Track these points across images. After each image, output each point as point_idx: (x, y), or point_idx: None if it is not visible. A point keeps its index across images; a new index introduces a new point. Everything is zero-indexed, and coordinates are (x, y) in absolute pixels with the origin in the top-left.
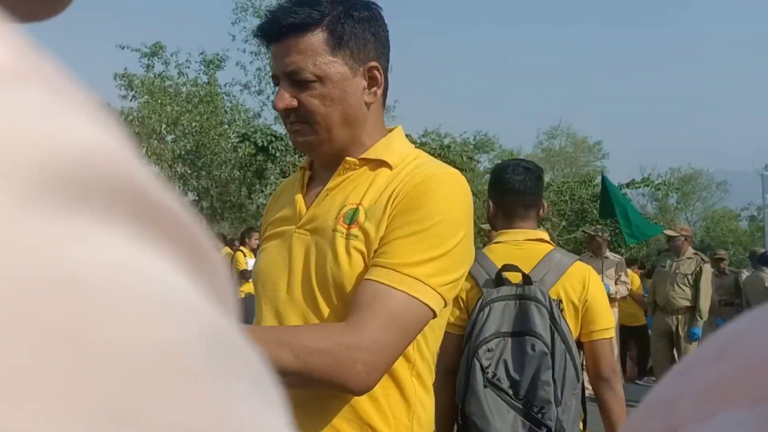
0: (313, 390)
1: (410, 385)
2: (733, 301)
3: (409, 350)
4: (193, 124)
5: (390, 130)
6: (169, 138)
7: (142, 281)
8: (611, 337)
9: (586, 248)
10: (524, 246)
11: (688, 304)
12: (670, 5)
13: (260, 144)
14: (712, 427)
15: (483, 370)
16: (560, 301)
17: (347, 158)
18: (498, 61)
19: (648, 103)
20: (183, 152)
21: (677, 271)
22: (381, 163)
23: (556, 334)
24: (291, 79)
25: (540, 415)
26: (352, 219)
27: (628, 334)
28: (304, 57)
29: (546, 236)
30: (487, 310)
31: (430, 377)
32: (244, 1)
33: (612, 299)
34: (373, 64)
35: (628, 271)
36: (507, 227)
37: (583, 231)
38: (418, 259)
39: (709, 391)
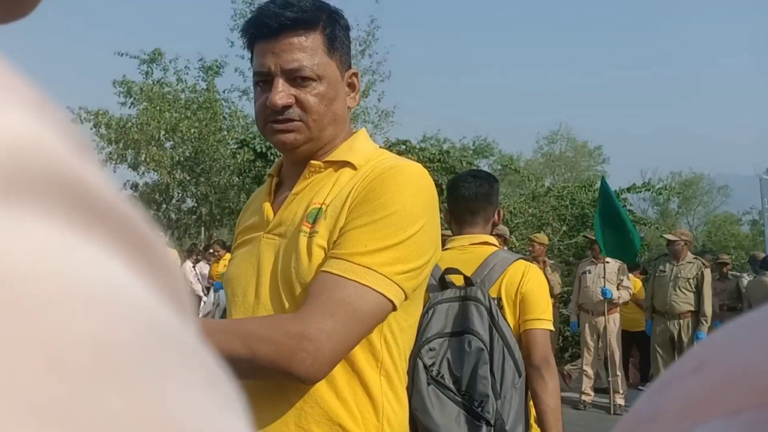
0: (282, 393)
1: (377, 385)
2: (735, 306)
3: (377, 348)
4: (192, 130)
5: (353, 134)
6: (167, 144)
7: (76, 276)
8: (545, 328)
9: (587, 253)
10: (469, 250)
11: (690, 308)
12: (672, 10)
13: (259, 150)
14: None
15: (426, 368)
16: (499, 299)
17: (312, 162)
18: (498, 65)
19: (648, 107)
20: (182, 159)
21: (678, 276)
22: (345, 164)
23: (494, 330)
24: (290, 76)
25: (480, 409)
26: (315, 218)
27: (630, 339)
28: (307, 55)
29: (491, 239)
30: (431, 312)
31: (400, 380)
32: (242, 7)
33: (614, 304)
34: (354, 70)
35: (630, 275)
36: (458, 233)
37: (584, 236)
38: (371, 248)
39: (688, 404)
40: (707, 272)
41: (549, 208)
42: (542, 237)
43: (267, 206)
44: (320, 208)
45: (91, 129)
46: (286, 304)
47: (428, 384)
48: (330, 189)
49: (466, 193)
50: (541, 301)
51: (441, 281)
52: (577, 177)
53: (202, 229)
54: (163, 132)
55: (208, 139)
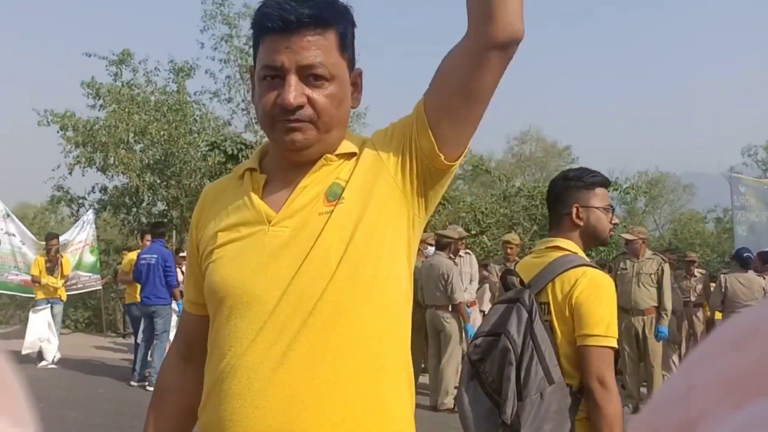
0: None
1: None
2: (701, 303)
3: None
4: (162, 132)
5: None
6: (137, 147)
7: None
8: (598, 345)
9: None
10: (542, 254)
11: (654, 304)
12: (638, 10)
13: (230, 152)
14: (741, 419)
15: (471, 363)
16: (548, 304)
17: (327, 155)
18: None
19: (616, 107)
20: (152, 161)
21: (641, 272)
22: (351, 155)
23: (528, 334)
24: (303, 73)
25: (499, 408)
26: (335, 195)
27: None
28: (322, 53)
29: (563, 243)
30: (491, 311)
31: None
32: (212, 8)
33: None
34: (360, 70)
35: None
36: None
37: None
38: None
39: (730, 380)
40: (666, 267)
41: (520, 208)
42: (515, 238)
43: (260, 201)
44: (341, 185)
45: (58, 132)
46: (324, 284)
47: (471, 378)
48: (348, 170)
49: (549, 199)
50: (594, 314)
51: (503, 283)
52: (547, 177)
53: (174, 232)
54: (132, 134)
55: (178, 142)
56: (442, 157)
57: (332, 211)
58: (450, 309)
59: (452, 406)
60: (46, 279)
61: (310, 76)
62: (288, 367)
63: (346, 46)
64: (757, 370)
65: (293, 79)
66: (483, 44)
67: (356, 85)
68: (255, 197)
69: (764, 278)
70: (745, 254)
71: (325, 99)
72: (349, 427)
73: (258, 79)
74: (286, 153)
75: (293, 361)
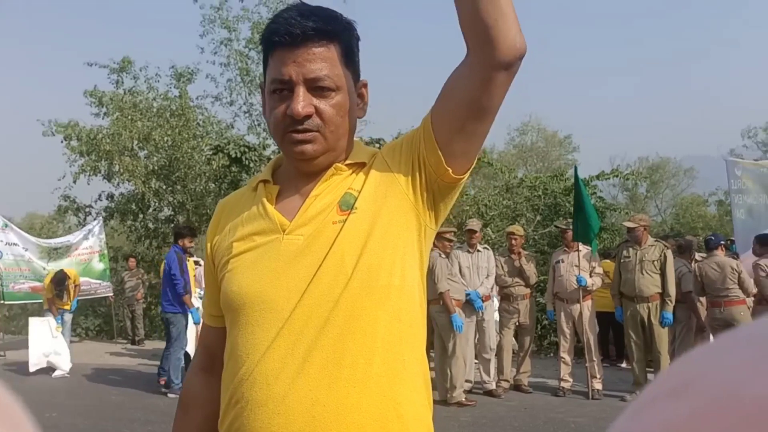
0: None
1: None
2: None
3: None
4: (165, 138)
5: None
6: (141, 154)
7: None
8: None
9: (560, 242)
10: None
11: (658, 290)
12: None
13: (233, 155)
14: None
15: None
16: None
17: (337, 165)
18: None
19: (615, 94)
20: (156, 168)
21: (644, 259)
22: (362, 165)
23: None
24: (310, 85)
25: None
26: (351, 205)
27: (606, 320)
28: (327, 65)
29: None
30: None
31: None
32: (211, 12)
33: (588, 291)
34: (364, 81)
35: (605, 261)
36: None
37: (555, 225)
38: None
39: (667, 429)
40: (669, 253)
41: (522, 199)
42: (519, 229)
43: (274, 211)
44: (354, 195)
45: (62, 142)
46: (341, 288)
47: None
48: (360, 181)
49: None
50: None
51: None
52: (548, 167)
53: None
54: (136, 141)
55: (182, 147)
56: (450, 171)
57: (346, 220)
58: (441, 303)
59: (462, 400)
60: (56, 303)
61: (316, 87)
62: (309, 372)
63: (351, 57)
64: (694, 419)
65: (301, 90)
66: (488, 66)
67: (362, 95)
68: (269, 207)
69: (735, 258)
70: (707, 238)
71: (332, 109)
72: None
73: (268, 93)
74: (296, 163)
75: (314, 367)
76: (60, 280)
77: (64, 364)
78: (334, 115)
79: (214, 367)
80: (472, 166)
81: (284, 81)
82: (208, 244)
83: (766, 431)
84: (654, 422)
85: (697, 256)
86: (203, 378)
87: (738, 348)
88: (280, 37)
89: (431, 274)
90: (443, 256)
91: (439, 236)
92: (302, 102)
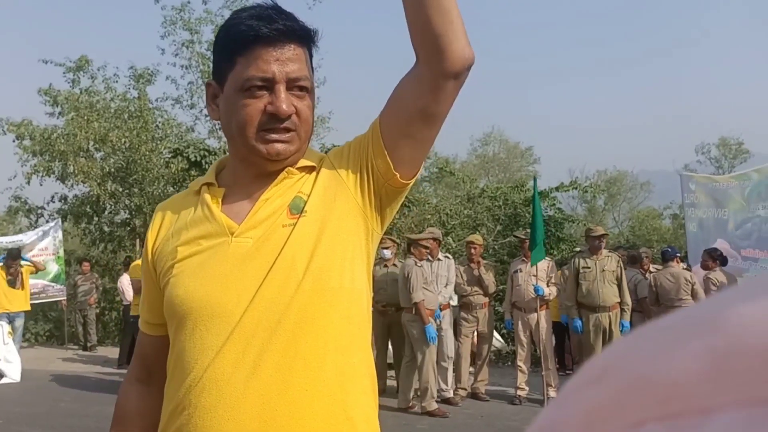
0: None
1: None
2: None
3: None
4: (123, 140)
5: None
6: (97, 155)
7: None
8: None
9: (519, 252)
10: None
11: (617, 299)
12: (599, 10)
13: (193, 159)
14: None
15: None
16: None
17: (288, 168)
18: None
19: (576, 108)
20: (113, 169)
21: (604, 270)
22: (310, 169)
23: None
24: (290, 85)
25: None
26: (300, 208)
27: (562, 329)
28: (305, 66)
29: None
30: None
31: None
32: (173, 14)
33: (545, 301)
34: (315, 84)
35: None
36: None
37: (514, 235)
38: None
39: (587, 417)
40: (621, 264)
41: (483, 209)
42: (478, 239)
43: (221, 214)
44: (304, 199)
45: (14, 141)
46: (292, 291)
47: None
48: (309, 185)
49: None
50: None
51: None
52: (510, 177)
53: (137, 241)
54: (92, 142)
55: (140, 149)
56: (398, 176)
57: (296, 223)
58: (414, 312)
59: (435, 409)
60: (9, 292)
61: (295, 87)
62: (261, 376)
63: (311, 61)
64: (612, 402)
65: (282, 89)
66: (437, 75)
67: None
68: (215, 210)
69: (689, 270)
70: (664, 250)
71: (307, 109)
72: None
73: (238, 90)
74: (263, 163)
75: (266, 370)
76: (15, 255)
77: (14, 373)
78: (309, 116)
79: (151, 377)
80: (419, 171)
81: (266, 78)
82: (148, 250)
83: (675, 409)
84: (576, 409)
85: (652, 267)
86: (140, 389)
87: (650, 336)
88: (264, 34)
89: (407, 283)
90: (419, 264)
91: (416, 244)
92: (286, 101)
